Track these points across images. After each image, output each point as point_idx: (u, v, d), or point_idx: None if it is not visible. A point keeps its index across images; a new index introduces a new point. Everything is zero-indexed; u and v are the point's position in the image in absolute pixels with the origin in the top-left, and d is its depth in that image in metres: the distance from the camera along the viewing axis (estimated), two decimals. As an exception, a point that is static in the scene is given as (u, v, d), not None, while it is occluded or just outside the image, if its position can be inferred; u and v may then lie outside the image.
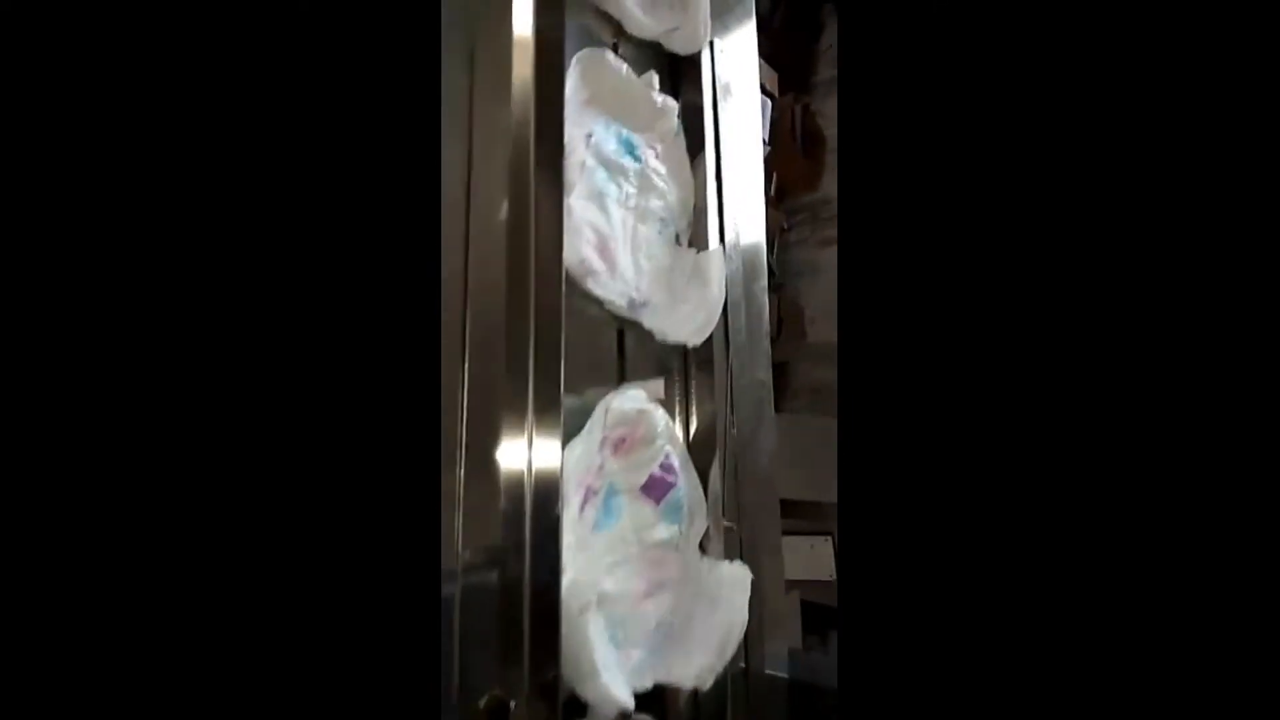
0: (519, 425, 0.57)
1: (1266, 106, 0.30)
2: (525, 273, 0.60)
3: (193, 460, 0.32)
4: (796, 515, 1.52)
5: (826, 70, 1.82)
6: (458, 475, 0.56)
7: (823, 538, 1.67)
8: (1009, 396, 0.33)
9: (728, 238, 0.86)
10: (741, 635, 0.71)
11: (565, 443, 0.60)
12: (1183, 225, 0.31)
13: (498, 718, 0.54)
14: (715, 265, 0.80)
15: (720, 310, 0.80)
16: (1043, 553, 0.32)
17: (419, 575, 0.35)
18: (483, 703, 0.53)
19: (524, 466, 0.57)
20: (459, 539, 0.55)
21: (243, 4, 0.34)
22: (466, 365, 0.58)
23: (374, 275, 0.35)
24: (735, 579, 0.72)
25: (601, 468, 0.67)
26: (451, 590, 0.54)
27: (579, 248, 0.68)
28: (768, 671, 0.79)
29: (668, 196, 0.81)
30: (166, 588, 0.31)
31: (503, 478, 0.56)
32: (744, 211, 0.92)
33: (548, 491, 0.58)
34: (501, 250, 0.60)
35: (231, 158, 0.34)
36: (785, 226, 1.89)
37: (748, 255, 0.93)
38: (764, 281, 0.98)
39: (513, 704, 0.54)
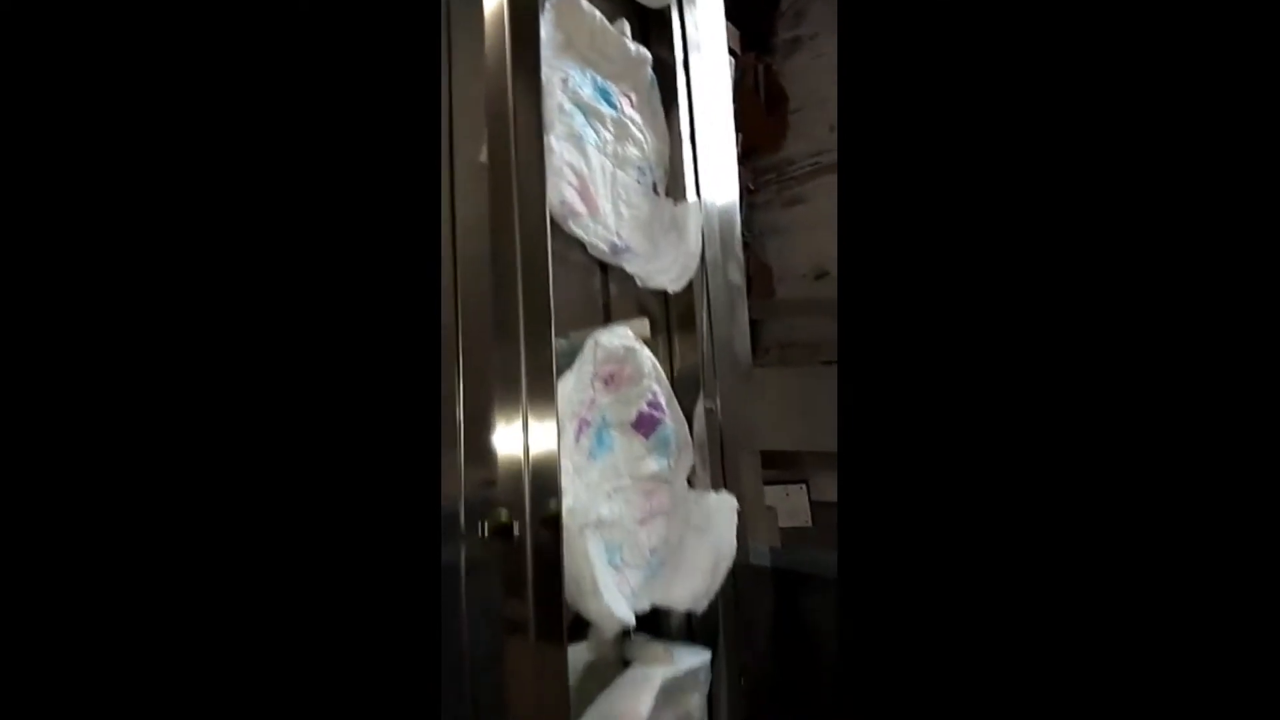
0: (513, 362, 0.58)
1: (1266, 106, 0.31)
2: (509, 211, 0.60)
3: (195, 429, 0.32)
4: (772, 465, 1.56)
5: (787, 31, 1.83)
6: (457, 416, 0.57)
7: (798, 486, 1.72)
8: (1008, 359, 0.34)
9: (703, 192, 0.88)
10: (731, 560, 0.74)
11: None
12: (1188, 177, 0.31)
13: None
14: (693, 217, 0.82)
15: (697, 261, 0.82)
16: (1041, 514, 0.33)
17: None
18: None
19: (519, 399, 0.58)
20: (461, 467, 0.56)
21: None
22: (459, 311, 0.59)
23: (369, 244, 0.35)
24: (722, 507, 0.75)
25: (594, 401, 0.69)
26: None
27: (560, 188, 0.69)
28: (752, 562, 0.84)
29: (644, 146, 0.83)
30: (171, 524, 0.31)
31: (498, 410, 0.57)
32: (717, 165, 0.93)
33: (542, 415, 0.59)
34: (484, 190, 0.60)
35: (217, 104, 0.33)
36: (751, 187, 1.91)
37: (724, 212, 0.95)
38: (738, 228, 0.99)
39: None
